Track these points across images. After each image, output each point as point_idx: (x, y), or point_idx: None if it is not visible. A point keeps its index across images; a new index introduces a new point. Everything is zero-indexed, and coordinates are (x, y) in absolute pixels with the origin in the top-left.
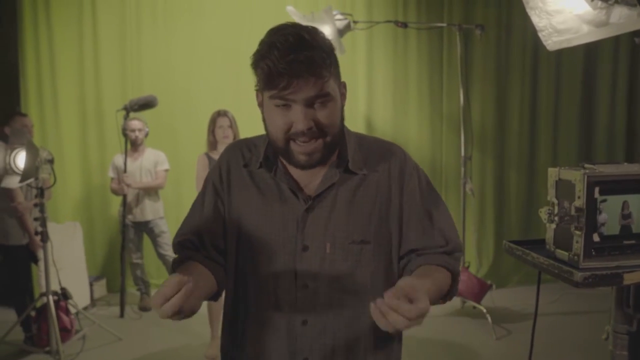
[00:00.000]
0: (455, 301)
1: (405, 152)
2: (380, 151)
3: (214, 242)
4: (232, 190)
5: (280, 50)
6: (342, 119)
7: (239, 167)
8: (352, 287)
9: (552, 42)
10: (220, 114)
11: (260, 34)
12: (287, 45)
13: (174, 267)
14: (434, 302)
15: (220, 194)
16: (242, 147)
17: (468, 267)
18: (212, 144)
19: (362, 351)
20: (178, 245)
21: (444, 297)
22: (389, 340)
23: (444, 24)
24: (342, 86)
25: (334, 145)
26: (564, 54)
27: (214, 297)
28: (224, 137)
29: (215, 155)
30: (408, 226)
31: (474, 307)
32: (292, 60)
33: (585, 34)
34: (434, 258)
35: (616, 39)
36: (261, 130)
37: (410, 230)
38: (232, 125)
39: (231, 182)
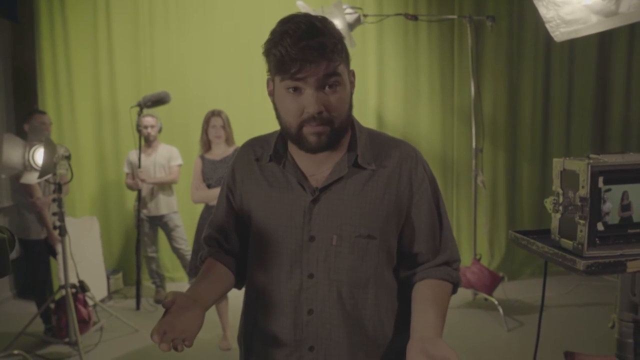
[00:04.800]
0: (467, 293)
1: (417, 152)
2: (391, 149)
3: (230, 236)
4: (243, 185)
5: (292, 37)
6: (351, 107)
7: (251, 162)
8: (355, 280)
9: (559, 33)
10: (214, 113)
11: None
12: (300, 33)
13: (200, 263)
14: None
15: (232, 189)
16: (254, 145)
17: (480, 259)
18: (206, 143)
19: (365, 342)
20: (203, 241)
21: None
22: (391, 331)
23: (455, 16)
24: (351, 74)
25: (341, 131)
26: (577, 44)
27: (237, 286)
28: (217, 137)
29: (210, 156)
30: (419, 229)
31: (486, 299)
32: (305, 46)
33: (594, 24)
34: (439, 272)
35: (630, 29)
36: (274, 126)
37: (421, 233)
38: (225, 125)
39: (243, 177)
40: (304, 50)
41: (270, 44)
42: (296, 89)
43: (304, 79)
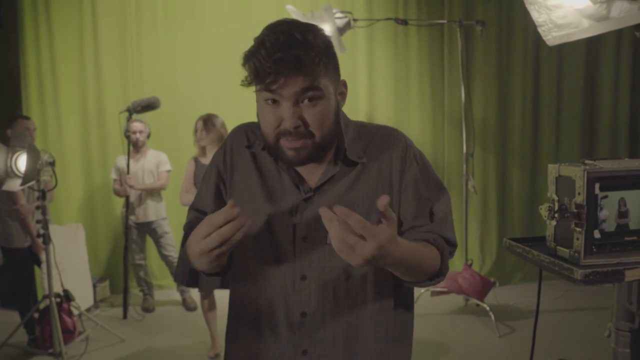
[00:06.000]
0: (459, 299)
1: (407, 139)
2: (381, 138)
3: None
4: (234, 172)
5: (268, 49)
6: (337, 119)
7: (243, 148)
8: (351, 279)
9: (551, 37)
10: (210, 117)
11: None
12: (277, 44)
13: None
14: (411, 269)
15: (223, 176)
16: (247, 130)
17: (471, 264)
18: (203, 147)
19: (362, 342)
20: (187, 226)
21: (432, 277)
22: (390, 330)
23: (445, 21)
24: (342, 85)
25: (325, 145)
26: (566, 49)
27: (224, 272)
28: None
29: (204, 160)
30: (405, 212)
31: (477, 305)
32: (279, 59)
33: (586, 29)
34: (421, 234)
35: (618, 34)
36: None
37: (407, 224)
38: (221, 129)
39: (234, 164)
40: (278, 63)
41: (247, 54)
42: (274, 101)
43: (279, 91)
